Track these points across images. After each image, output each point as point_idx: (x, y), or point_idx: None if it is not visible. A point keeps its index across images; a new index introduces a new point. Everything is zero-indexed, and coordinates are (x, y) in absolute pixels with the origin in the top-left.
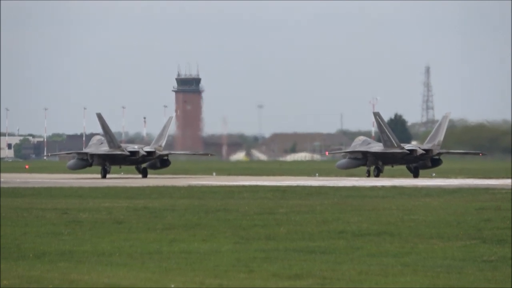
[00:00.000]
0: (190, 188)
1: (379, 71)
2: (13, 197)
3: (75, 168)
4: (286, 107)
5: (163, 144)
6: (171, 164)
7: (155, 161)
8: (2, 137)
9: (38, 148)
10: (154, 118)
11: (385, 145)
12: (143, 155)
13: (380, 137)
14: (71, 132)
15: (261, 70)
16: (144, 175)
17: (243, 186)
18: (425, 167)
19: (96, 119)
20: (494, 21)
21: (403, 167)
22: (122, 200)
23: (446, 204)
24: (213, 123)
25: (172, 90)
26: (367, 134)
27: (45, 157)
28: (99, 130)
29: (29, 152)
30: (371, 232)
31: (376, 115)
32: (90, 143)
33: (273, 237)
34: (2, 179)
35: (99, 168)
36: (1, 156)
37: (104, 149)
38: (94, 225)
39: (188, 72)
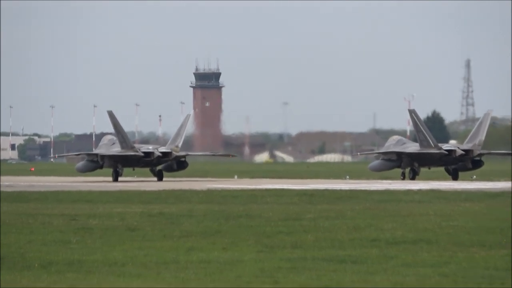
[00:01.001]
0: (210, 192)
1: (415, 65)
2: (17, 202)
3: (84, 171)
4: (314, 104)
5: (180, 144)
6: (189, 166)
7: (171, 163)
8: (5, 137)
9: (44, 149)
10: (170, 116)
11: (421, 145)
12: (158, 157)
13: (416, 136)
14: (80, 131)
15: (287, 64)
16: (160, 178)
17: (267, 190)
18: (465, 169)
19: (107, 117)
20: None
21: (441, 169)
22: (135, 205)
23: (488, 209)
24: (235, 121)
25: (190, 86)
26: (402, 133)
27: (51, 159)
28: (111, 129)
29: (35, 153)
30: (406, 240)
31: (412, 112)
32: (101, 143)
33: (300, 245)
34: (6, 183)
35: (110, 170)
36: (5, 157)
37: (116, 149)
38: (105, 233)
39: (207, 66)
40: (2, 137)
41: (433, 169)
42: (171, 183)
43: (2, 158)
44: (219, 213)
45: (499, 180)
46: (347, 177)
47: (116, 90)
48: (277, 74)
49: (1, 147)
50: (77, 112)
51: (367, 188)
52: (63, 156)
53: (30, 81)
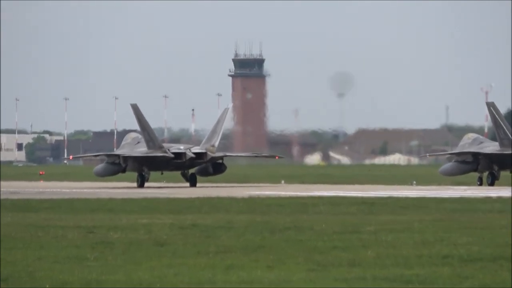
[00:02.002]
0: (252, 200)
1: (494, 50)
2: (25, 211)
3: (104, 175)
4: (375, 96)
5: (217, 143)
6: (227, 169)
7: (206, 166)
8: (10, 135)
9: (56, 149)
10: (205, 111)
11: (501, 145)
12: (191, 158)
13: (496, 134)
14: (98, 128)
15: (342, 50)
16: (193, 183)
17: (319, 198)
18: None
19: (131, 111)
20: None
21: None
22: (164, 215)
23: None
24: (281, 116)
25: (229, 75)
26: (479, 130)
27: (65, 161)
28: (135, 125)
29: (45, 154)
30: (484, 256)
31: (490, 105)
32: (123, 142)
33: (358, 263)
34: (11, 189)
35: (135, 174)
36: (10, 159)
37: (141, 150)
38: (129, 248)
39: (248, 51)
40: (7, 135)
41: None
42: (206, 189)
43: (7, 159)
44: (263, 225)
45: None
46: (414, 182)
47: (141, 80)
48: (330, 60)
49: (6, 147)
50: (95, 105)
51: (438, 196)
52: (79, 157)
53: (40, 69)
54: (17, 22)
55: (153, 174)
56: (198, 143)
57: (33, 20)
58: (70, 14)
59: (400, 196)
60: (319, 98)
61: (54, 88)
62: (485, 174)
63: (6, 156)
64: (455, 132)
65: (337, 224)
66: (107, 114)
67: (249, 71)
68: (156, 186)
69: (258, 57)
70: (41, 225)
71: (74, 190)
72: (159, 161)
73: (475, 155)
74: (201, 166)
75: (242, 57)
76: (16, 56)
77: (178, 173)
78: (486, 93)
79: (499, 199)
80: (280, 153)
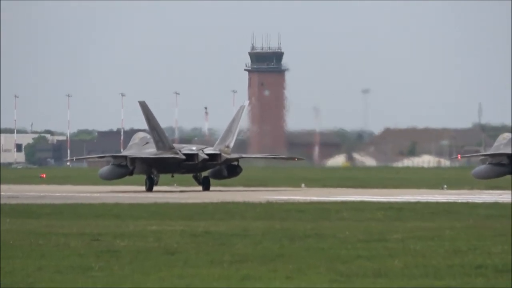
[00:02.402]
0: (269, 205)
1: None
2: (24, 217)
3: (110, 178)
4: (402, 93)
5: (232, 144)
6: (243, 171)
7: (220, 168)
8: (8, 135)
9: (58, 149)
10: (219, 108)
11: None
12: (204, 160)
13: None
14: (104, 127)
15: (366, 42)
16: (206, 187)
17: (343, 203)
18: None
19: (139, 109)
20: None
21: None
22: (175, 221)
23: None
24: (301, 114)
25: (245, 69)
26: None
27: (68, 163)
28: (143, 124)
29: (46, 156)
30: None
31: None
32: (131, 143)
33: (385, 274)
34: (9, 193)
35: (143, 177)
36: (8, 161)
37: (150, 151)
38: (137, 257)
39: (266, 44)
40: (5, 135)
41: None
42: (220, 193)
43: (6, 161)
44: (282, 232)
45: None
46: (445, 186)
47: (150, 76)
48: (354, 54)
49: (4, 148)
50: (100, 103)
51: (470, 201)
52: (82, 159)
53: (41, 64)
54: (17, 14)
55: (162, 177)
56: (211, 143)
57: (34, 13)
58: (73, 5)
59: (430, 201)
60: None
61: (56, 84)
62: None
63: (4, 158)
64: (489, 131)
65: (361, 231)
66: (113, 112)
67: (266, 66)
68: (166, 190)
69: (276, 50)
70: (42, 232)
71: (77, 194)
72: (169, 163)
73: (511, 156)
74: (215, 168)
75: (259, 50)
76: (15, 50)
77: (190, 176)
78: None
79: None
80: (300, 155)
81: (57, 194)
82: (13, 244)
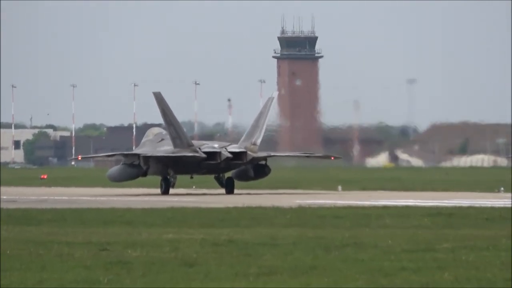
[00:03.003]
0: (302, 210)
1: None
2: (23, 224)
3: (120, 179)
4: (452, 84)
5: (259, 141)
6: (272, 172)
7: (246, 168)
8: (5, 131)
9: (61, 147)
10: (244, 100)
11: None
12: (228, 159)
13: None
14: (113, 122)
15: (413, 25)
16: (229, 189)
17: (385, 208)
18: None
19: (153, 101)
20: None
21: None
22: (194, 229)
23: None
24: (338, 107)
25: (273, 56)
26: None
27: (72, 162)
28: (158, 119)
29: (48, 154)
30: None
31: None
32: (144, 139)
33: (433, 287)
34: (6, 196)
35: (158, 179)
36: (5, 160)
37: (166, 148)
38: (150, 269)
39: (298, 28)
40: (1, 130)
41: None
42: (246, 197)
43: (2, 160)
44: (316, 241)
45: None
46: (502, 189)
47: (167, 63)
48: (398, 39)
49: (0, 145)
50: (109, 94)
51: None
52: (89, 158)
53: (42, 50)
54: None
55: (180, 178)
56: (236, 140)
57: None
58: None
59: (484, 205)
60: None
61: (59, 72)
62: None
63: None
64: None
65: (406, 240)
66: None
67: (298, 52)
68: (184, 193)
69: (309, 34)
70: (42, 241)
71: (83, 198)
72: (188, 163)
73: None
74: (240, 168)
75: (290, 34)
76: (14, 34)
77: (211, 177)
78: None
79: None
80: (337, 153)
81: (60, 197)
82: (10, 254)
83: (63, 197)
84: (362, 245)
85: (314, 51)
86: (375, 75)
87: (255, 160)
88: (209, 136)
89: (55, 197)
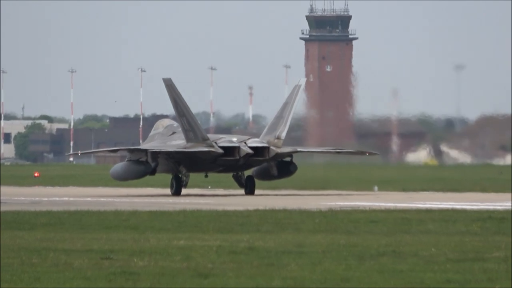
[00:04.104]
0: (332, 213)
1: None
2: (15, 229)
3: (125, 177)
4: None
5: (284, 134)
6: (298, 170)
7: (269, 165)
8: None
9: (58, 141)
10: (267, 88)
11: None
12: (248, 155)
13: None
14: (117, 113)
15: (460, 2)
16: (250, 190)
17: (428, 211)
18: None
19: (163, 89)
20: None
21: None
22: (209, 234)
23: None
24: (373, 96)
25: (301, 38)
26: None
27: (71, 158)
28: (169, 109)
29: (43, 149)
30: None
31: None
32: (153, 132)
33: None
34: None
35: (168, 177)
36: None
37: (178, 143)
38: (159, 280)
39: (329, 5)
40: None
41: None
42: (268, 198)
43: None
44: (348, 249)
45: None
46: None
47: (178, 46)
48: (443, 19)
49: None
50: (113, 80)
51: None
52: (89, 153)
53: (37, 31)
54: None
55: (193, 176)
56: (257, 134)
57: None
58: None
59: None
60: (428, 70)
61: (56, 56)
62: None
63: None
64: None
65: (452, 248)
66: (129, 93)
67: (328, 34)
68: (198, 194)
69: (342, 13)
70: (36, 248)
71: (82, 199)
72: (202, 159)
73: None
74: (262, 166)
75: (320, 13)
76: (4, 11)
77: (229, 176)
78: None
79: None
80: (373, 148)
81: (57, 198)
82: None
83: (60, 198)
84: (401, 254)
85: (347, 32)
86: (417, 59)
87: (279, 156)
88: (226, 129)
89: (51, 198)
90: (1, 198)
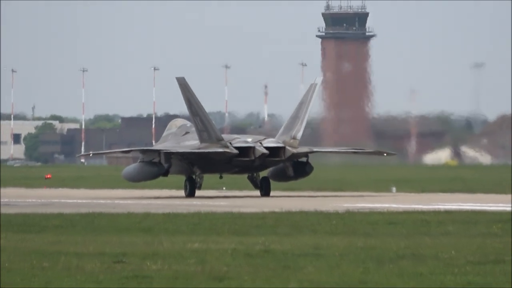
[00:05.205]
0: (349, 215)
1: None
2: (25, 232)
3: (137, 179)
4: None
5: (300, 134)
6: (314, 170)
7: (284, 166)
8: (3, 123)
9: (69, 142)
10: (282, 87)
11: None
12: (263, 155)
13: None
14: (129, 113)
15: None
16: (265, 191)
17: (447, 213)
18: None
19: (177, 88)
20: None
21: None
22: (223, 237)
23: None
24: (392, 94)
25: (317, 36)
26: None
27: (82, 159)
28: (182, 108)
29: (53, 150)
30: None
31: None
32: (166, 132)
33: None
34: (6, 199)
35: (182, 179)
36: (3, 157)
37: (191, 143)
38: (173, 284)
39: (345, 3)
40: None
41: None
42: (284, 200)
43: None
44: (366, 252)
45: None
46: None
47: (192, 44)
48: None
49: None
50: (125, 80)
51: None
52: (101, 154)
53: (48, 30)
54: None
55: (207, 178)
56: (273, 134)
57: None
58: None
59: None
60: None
61: (67, 55)
62: None
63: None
64: None
65: (472, 250)
66: (142, 92)
67: (345, 31)
68: (213, 196)
69: (359, 10)
70: (47, 251)
71: (94, 201)
72: (216, 160)
73: None
74: (277, 166)
75: (336, 10)
76: (14, 9)
77: (244, 177)
78: None
79: None
80: (390, 149)
81: (68, 200)
82: (9, 267)
83: (71, 200)
84: (421, 257)
85: (365, 29)
86: (436, 57)
87: (295, 156)
88: (241, 128)
89: (62, 200)
90: (12, 200)
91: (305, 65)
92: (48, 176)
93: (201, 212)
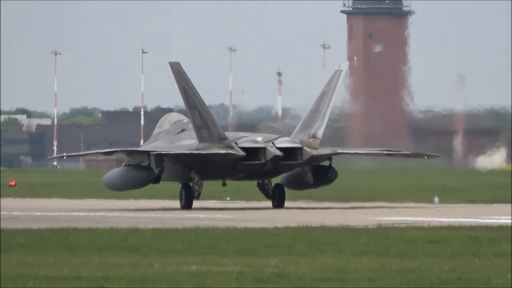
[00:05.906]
0: (381, 230)
1: None
2: None
3: (122, 187)
4: None
5: (321, 132)
6: (339, 177)
7: (302, 171)
8: None
9: (39, 141)
10: (299, 74)
11: None
12: (276, 157)
13: None
14: (112, 106)
15: None
16: (279, 201)
17: (501, 228)
18: None
19: (170, 75)
20: None
21: None
22: (227, 257)
23: None
24: (434, 85)
25: (341, 11)
26: None
27: (55, 162)
28: (178, 100)
29: (19, 151)
30: None
31: None
32: (157, 130)
33: None
34: None
35: (177, 186)
36: None
37: (188, 143)
38: None
39: None
40: None
41: None
42: (301, 212)
43: None
44: (403, 275)
45: None
46: None
47: (188, 23)
48: None
49: None
50: (106, 66)
51: None
52: (78, 155)
53: (14, 7)
54: None
55: (207, 185)
56: (287, 132)
57: None
58: None
59: None
60: (500, 53)
61: (38, 35)
62: None
63: None
64: None
65: None
66: (128, 81)
67: (377, 6)
68: (214, 207)
69: None
70: (12, 276)
71: (69, 213)
72: (219, 163)
73: None
74: (294, 171)
75: None
76: None
77: (253, 184)
78: None
79: None
80: (432, 150)
81: (37, 213)
82: None
83: (41, 213)
84: (469, 281)
85: (401, 4)
86: (486, 39)
87: (314, 159)
88: (249, 125)
89: (30, 213)
90: None
91: (328, 47)
92: (12, 183)
93: (199, 227)
